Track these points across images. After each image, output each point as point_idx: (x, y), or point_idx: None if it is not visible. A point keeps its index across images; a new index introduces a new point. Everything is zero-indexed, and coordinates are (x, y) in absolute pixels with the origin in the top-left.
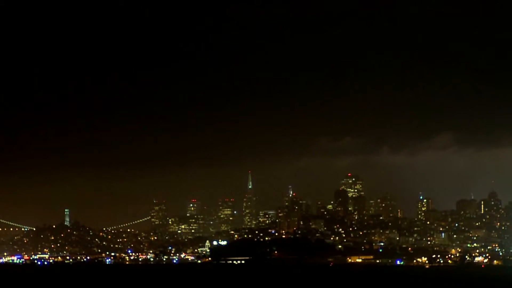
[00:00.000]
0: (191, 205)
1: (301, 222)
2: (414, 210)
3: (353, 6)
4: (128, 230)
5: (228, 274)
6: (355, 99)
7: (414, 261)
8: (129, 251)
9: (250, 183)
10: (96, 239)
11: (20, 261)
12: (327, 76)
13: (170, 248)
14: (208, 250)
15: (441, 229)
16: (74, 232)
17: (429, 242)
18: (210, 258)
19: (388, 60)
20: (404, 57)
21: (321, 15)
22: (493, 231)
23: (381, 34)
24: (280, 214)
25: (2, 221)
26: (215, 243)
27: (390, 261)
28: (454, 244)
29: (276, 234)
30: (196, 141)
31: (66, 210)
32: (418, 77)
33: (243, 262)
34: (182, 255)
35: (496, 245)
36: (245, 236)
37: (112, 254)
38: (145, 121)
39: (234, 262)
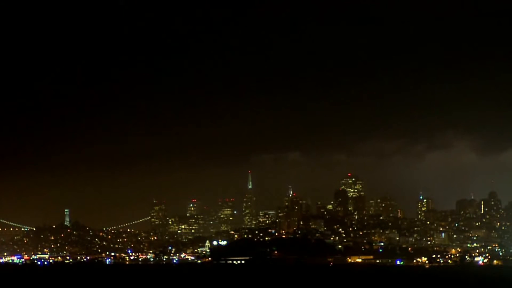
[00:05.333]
0: (191, 205)
1: (301, 222)
2: (414, 210)
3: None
4: (128, 230)
5: (228, 274)
6: (354, 100)
7: (414, 261)
8: (129, 251)
9: (250, 183)
10: (96, 239)
11: (20, 261)
12: (327, 76)
13: (170, 248)
14: (208, 250)
15: (441, 229)
16: (74, 232)
17: (429, 242)
18: (210, 258)
19: (391, 62)
20: (403, 58)
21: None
22: (493, 231)
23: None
24: (280, 214)
25: (2, 221)
26: (215, 243)
27: (390, 261)
28: (454, 244)
29: (276, 234)
30: (196, 141)
31: (66, 210)
32: (416, 75)
33: (243, 262)
34: (182, 255)
35: (496, 245)
36: (245, 236)
37: (112, 254)
38: (145, 121)
39: (234, 262)
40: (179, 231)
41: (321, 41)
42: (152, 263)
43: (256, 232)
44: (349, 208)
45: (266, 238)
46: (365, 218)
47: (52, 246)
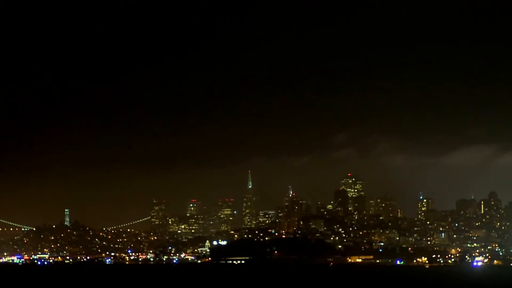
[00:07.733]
0: (191, 205)
1: (301, 222)
2: (414, 210)
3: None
4: (128, 230)
5: (228, 274)
6: (354, 99)
7: (414, 261)
8: (129, 251)
9: (250, 183)
10: (96, 239)
11: (20, 261)
12: (326, 75)
13: (170, 248)
14: (208, 250)
15: (441, 229)
16: (74, 232)
17: (429, 242)
18: (210, 258)
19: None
20: (406, 53)
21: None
22: (493, 231)
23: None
24: (280, 214)
25: (2, 221)
26: (215, 243)
27: (390, 261)
28: (454, 244)
29: (276, 234)
30: (196, 141)
31: (66, 210)
32: (419, 75)
33: (243, 262)
34: (182, 255)
35: (496, 245)
36: (245, 236)
37: (112, 254)
38: (145, 121)
39: (234, 262)
40: (179, 231)
41: (318, 38)
42: (152, 263)
43: (256, 232)
44: (349, 208)
45: (266, 238)
46: (365, 218)
47: (52, 246)
